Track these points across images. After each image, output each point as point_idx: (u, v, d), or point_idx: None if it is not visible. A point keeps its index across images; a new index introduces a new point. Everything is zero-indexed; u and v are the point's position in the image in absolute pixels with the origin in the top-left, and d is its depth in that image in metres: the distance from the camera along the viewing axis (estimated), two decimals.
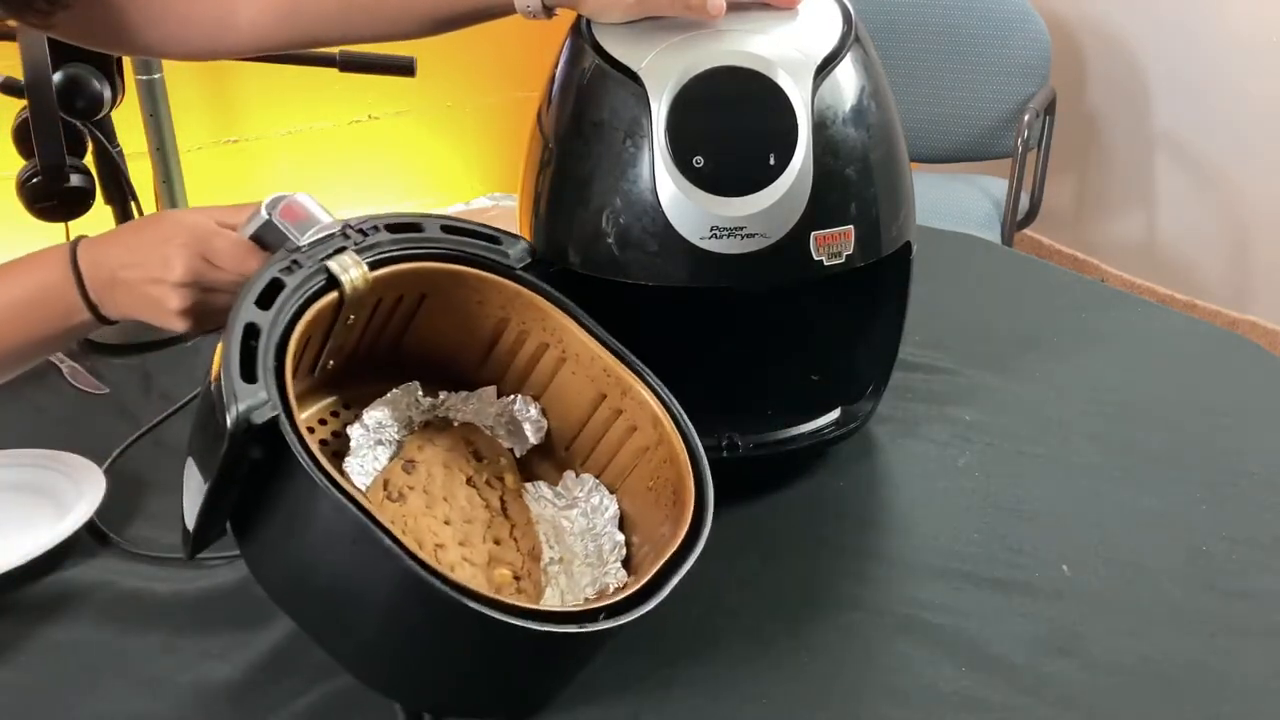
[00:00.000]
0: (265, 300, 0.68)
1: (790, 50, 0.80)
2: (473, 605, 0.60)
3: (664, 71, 0.79)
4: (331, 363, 0.79)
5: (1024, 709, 0.69)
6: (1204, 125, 2.61)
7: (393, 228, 0.76)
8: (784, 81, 0.78)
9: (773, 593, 0.80)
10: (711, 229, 0.78)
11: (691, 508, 0.71)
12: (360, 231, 0.74)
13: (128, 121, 1.36)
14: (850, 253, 0.81)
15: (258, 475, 0.64)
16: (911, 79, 2.47)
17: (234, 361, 0.64)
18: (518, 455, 0.82)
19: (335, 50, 1.37)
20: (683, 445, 0.74)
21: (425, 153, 2.88)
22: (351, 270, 0.71)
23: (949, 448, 0.97)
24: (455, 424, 0.82)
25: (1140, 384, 1.07)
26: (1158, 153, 2.73)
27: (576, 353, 0.79)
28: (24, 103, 1.13)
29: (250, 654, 0.75)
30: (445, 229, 0.78)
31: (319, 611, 0.67)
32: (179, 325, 0.79)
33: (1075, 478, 0.92)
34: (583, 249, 0.82)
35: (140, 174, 1.34)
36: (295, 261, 0.71)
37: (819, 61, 0.80)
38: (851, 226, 0.81)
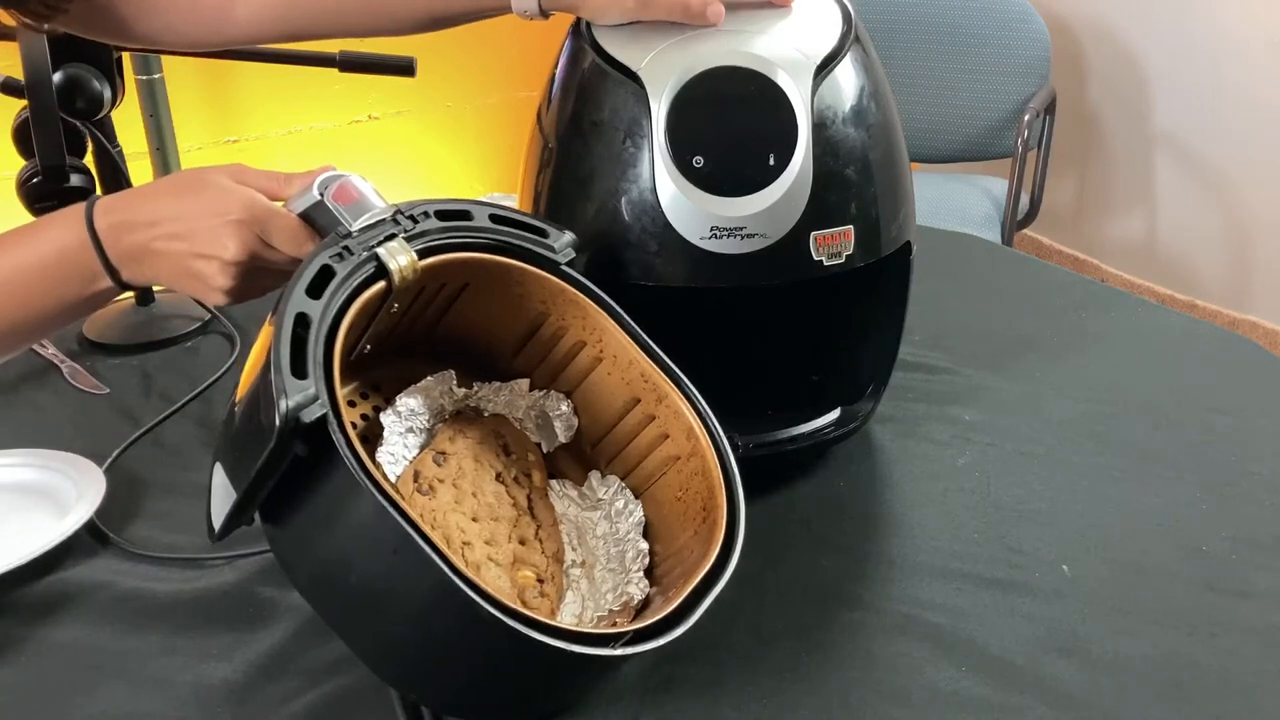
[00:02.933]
0: (315, 289, 0.66)
1: (790, 50, 0.80)
2: (508, 621, 0.59)
3: (664, 71, 0.79)
4: (369, 348, 0.77)
5: (1024, 709, 0.69)
6: (1204, 125, 2.61)
7: (442, 214, 0.74)
8: (784, 81, 0.78)
9: (773, 592, 0.80)
10: (711, 229, 0.78)
11: (723, 528, 0.70)
12: (410, 218, 0.73)
13: (128, 121, 1.36)
14: (850, 253, 0.81)
15: (297, 469, 0.62)
16: (911, 79, 2.47)
17: (285, 354, 0.61)
18: (545, 451, 0.82)
19: (335, 50, 1.37)
20: (716, 462, 0.73)
21: (425, 153, 2.88)
22: (401, 258, 0.69)
23: (949, 448, 0.97)
24: (486, 415, 0.81)
25: (1140, 384, 1.07)
26: (1158, 153, 2.73)
27: (614, 354, 0.78)
28: (24, 103, 1.13)
29: (250, 654, 0.75)
30: (494, 218, 0.77)
31: (345, 606, 0.66)
32: (220, 301, 0.76)
33: (1075, 478, 0.92)
34: (582, 249, 0.82)
35: (140, 174, 1.34)
36: (346, 248, 0.69)
37: (819, 61, 0.80)
38: (851, 226, 0.81)
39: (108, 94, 1.18)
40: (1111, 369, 1.10)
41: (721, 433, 0.75)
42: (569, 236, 0.79)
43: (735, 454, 0.74)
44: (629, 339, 0.77)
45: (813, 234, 0.79)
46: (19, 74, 1.13)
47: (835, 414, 0.93)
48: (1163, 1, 2.62)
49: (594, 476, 0.81)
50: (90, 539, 0.87)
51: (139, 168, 1.37)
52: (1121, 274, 2.86)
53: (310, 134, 2.69)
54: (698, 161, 0.78)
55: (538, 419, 0.82)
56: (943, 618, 0.77)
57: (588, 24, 0.85)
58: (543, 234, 0.78)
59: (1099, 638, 0.75)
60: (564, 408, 0.81)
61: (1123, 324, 1.19)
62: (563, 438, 0.81)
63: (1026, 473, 0.93)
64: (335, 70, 1.39)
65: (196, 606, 0.80)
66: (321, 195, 0.74)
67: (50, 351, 1.16)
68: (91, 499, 0.88)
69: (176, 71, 2.30)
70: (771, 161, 0.78)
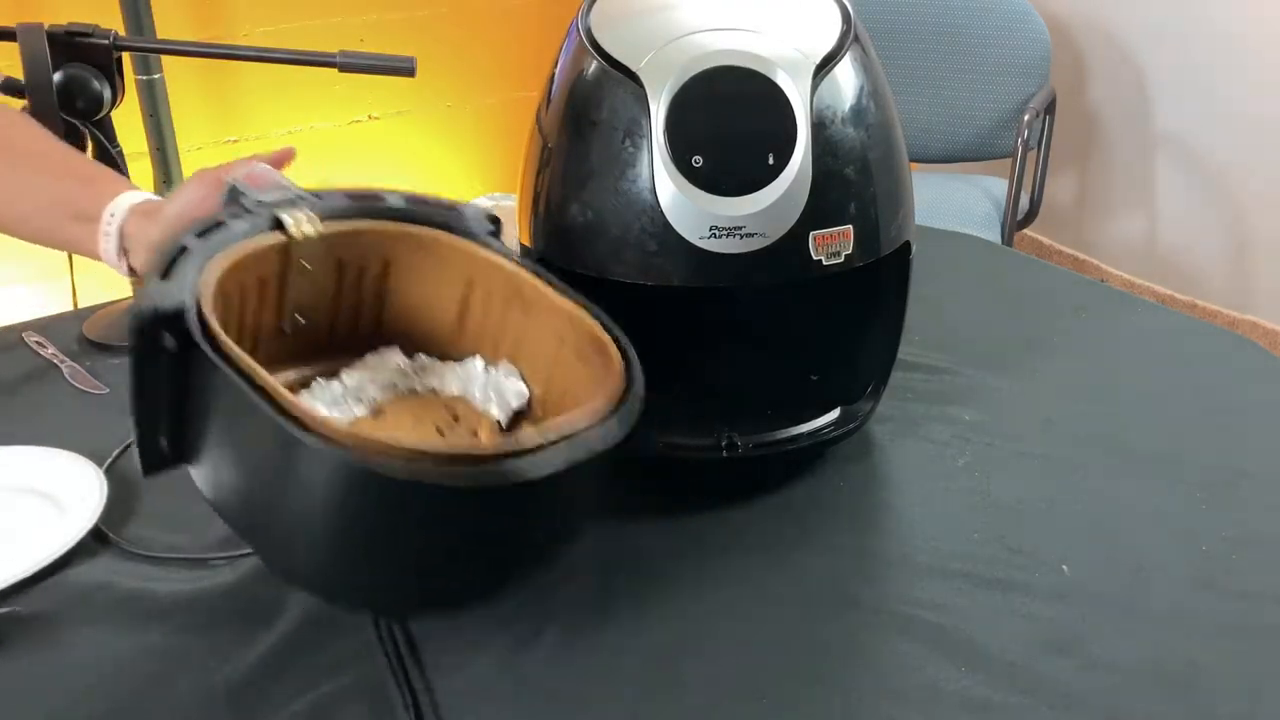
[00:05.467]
0: (203, 234, 0.72)
1: (789, 50, 0.80)
2: (327, 440, 0.58)
3: (663, 71, 0.79)
4: (300, 318, 0.80)
5: (1024, 709, 0.69)
6: (1204, 125, 2.61)
7: (352, 196, 0.79)
8: (783, 81, 0.78)
9: (773, 592, 0.80)
10: (711, 229, 0.78)
11: (620, 361, 0.70)
12: (317, 196, 0.78)
13: (128, 121, 1.36)
14: (849, 252, 0.81)
15: (182, 378, 0.65)
16: (911, 79, 2.47)
17: (156, 270, 0.67)
18: (504, 424, 0.82)
19: (335, 50, 1.37)
20: (602, 326, 0.75)
21: (425, 153, 2.88)
22: (300, 216, 0.74)
23: (949, 448, 0.97)
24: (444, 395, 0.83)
25: (1140, 384, 1.07)
26: (1158, 153, 2.73)
27: (533, 300, 0.80)
28: (24, 103, 1.13)
29: (250, 654, 0.75)
30: (406, 198, 0.81)
31: (245, 510, 0.67)
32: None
33: (1076, 478, 0.92)
34: (582, 249, 0.82)
35: (140, 174, 1.34)
36: (245, 208, 0.74)
37: (818, 61, 0.80)
38: (850, 226, 0.81)
39: (108, 94, 1.18)
40: (1111, 369, 1.10)
41: (622, 334, 0.75)
42: (482, 207, 0.84)
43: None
44: (544, 284, 0.79)
45: (812, 233, 0.79)
46: (19, 74, 1.13)
47: (835, 414, 0.93)
48: (1163, 2, 2.62)
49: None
50: (91, 539, 0.87)
51: (139, 168, 1.37)
52: (1121, 274, 2.86)
53: (310, 134, 2.69)
54: (697, 161, 0.78)
55: (495, 394, 0.83)
56: (943, 618, 0.77)
57: (587, 23, 0.85)
58: (454, 208, 0.82)
59: (1099, 638, 0.75)
60: (512, 375, 0.83)
61: (1123, 324, 1.19)
62: (515, 404, 0.82)
63: (1026, 473, 0.93)
64: (335, 70, 1.39)
65: (197, 606, 0.80)
66: (234, 183, 0.79)
67: (50, 351, 1.16)
68: (92, 500, 0.88)
69: (176, 71, 2.30)
70: (771, 161, 0.78)
